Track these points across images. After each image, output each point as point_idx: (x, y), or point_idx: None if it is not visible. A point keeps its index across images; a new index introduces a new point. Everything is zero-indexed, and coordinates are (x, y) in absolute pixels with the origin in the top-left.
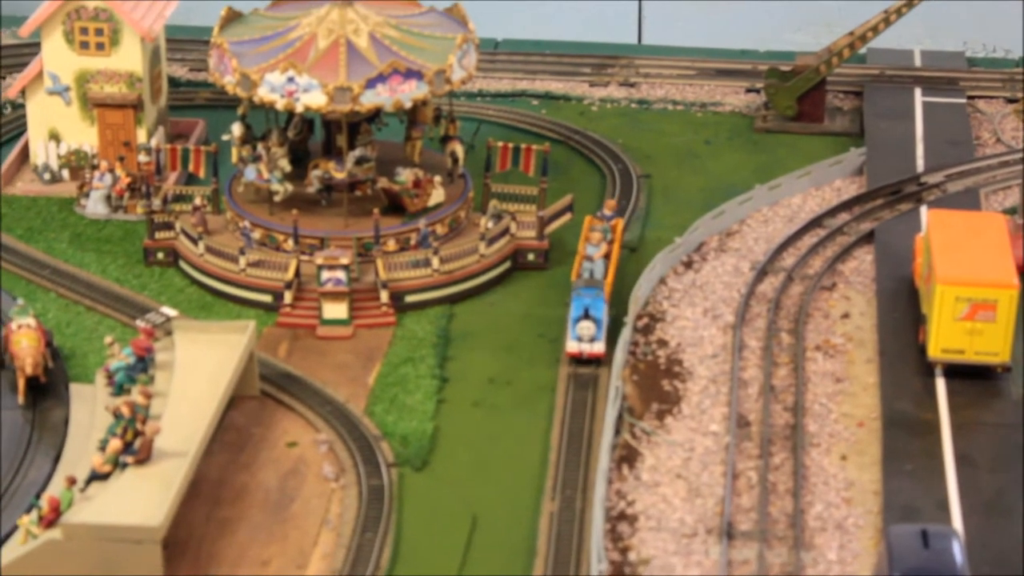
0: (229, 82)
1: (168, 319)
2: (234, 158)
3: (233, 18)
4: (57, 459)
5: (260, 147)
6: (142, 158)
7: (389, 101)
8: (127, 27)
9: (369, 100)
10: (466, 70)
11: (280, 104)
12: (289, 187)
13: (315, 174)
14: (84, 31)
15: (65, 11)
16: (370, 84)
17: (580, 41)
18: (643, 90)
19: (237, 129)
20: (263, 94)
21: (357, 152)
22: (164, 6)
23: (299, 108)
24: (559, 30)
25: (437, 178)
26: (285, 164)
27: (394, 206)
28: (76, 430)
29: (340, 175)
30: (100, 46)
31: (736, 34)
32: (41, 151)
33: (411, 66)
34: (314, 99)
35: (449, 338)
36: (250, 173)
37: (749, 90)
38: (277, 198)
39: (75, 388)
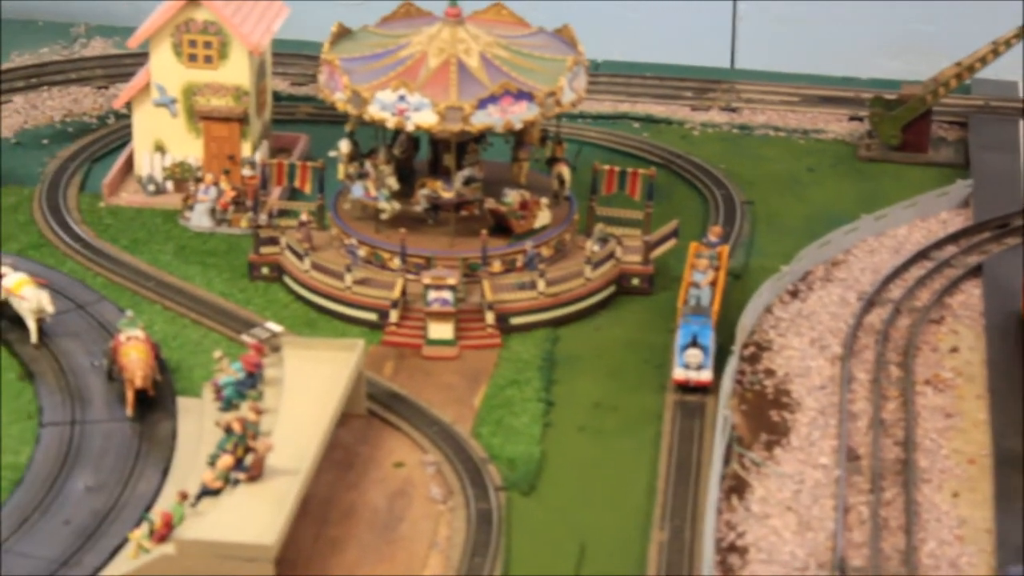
0: (339, 99)
1: (274, 334)
2: (341, 174)
3: (343, 34)
4: (165, 473)
5: (367, 164)
6: (246, 172)
7: (500, 122)
8: (235, 40)
9: (480, 120)
10: (576, 92)
11: (390, 122)
12: (397, 205)
13: (422, 193)
14: (192, 44)
15: (174, 23)
16: (481, 104)
17: (680, 64)
18: (745, 115)
19: (345, 146)
20: (374, 112)
21: (466, 172)
22: (272, 20)
23: (409, 127)
24: (657, 52)
25: (544, 200)
26: (393, 182)
27: (500, 227)
28: (184, 444)
29: (448, 195)
30: (208, 59)
31: (828, 59)
32: (146, 162)
33: (522, 87)
34: (425, 118)
35: (554, 361)
36: (357, 190)
37: (852, 118)
38: (384, 216)
39: (182, 402)
